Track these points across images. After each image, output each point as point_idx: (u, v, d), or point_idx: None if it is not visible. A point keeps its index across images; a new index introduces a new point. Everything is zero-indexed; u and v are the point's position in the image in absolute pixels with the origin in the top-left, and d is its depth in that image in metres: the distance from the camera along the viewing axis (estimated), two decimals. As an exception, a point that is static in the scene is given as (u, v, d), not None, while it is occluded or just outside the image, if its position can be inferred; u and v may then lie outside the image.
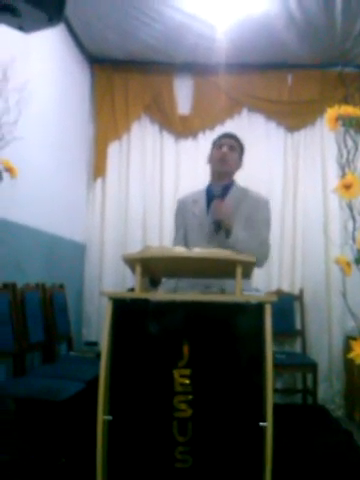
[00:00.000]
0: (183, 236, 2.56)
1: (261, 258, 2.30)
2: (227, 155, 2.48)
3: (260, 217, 2.45)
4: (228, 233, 2.31)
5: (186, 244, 2.47)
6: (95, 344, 3.91)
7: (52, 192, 3.64)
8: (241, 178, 4.56)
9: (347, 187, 1.96)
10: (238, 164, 2.57)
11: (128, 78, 4.58)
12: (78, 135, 4.35)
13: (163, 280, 2.45)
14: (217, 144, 2.54)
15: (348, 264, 1.98)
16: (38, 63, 3.41)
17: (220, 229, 2.32)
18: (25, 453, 2.56)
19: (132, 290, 2.01)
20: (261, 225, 2.45)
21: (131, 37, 4.12)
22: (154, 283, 2.46)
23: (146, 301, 1.91)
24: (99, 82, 4.60)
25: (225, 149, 2.48)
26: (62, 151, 3.90)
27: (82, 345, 4.10)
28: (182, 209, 2.61)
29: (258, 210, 2.46)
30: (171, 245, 2.64)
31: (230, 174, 2.56)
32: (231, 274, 1.86)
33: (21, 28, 2.08)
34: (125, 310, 1.90)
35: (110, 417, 1.82)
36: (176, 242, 2.58)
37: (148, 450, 1.82)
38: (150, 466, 1.82)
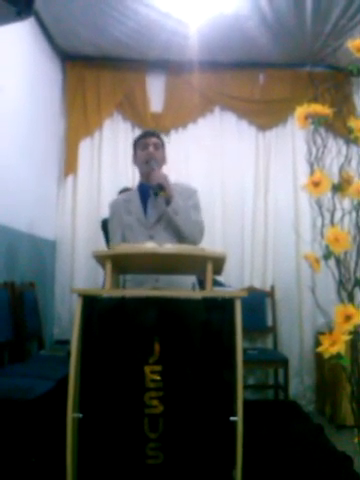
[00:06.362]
0: (121, 238, 2.51)
1: (197, 236, 2.44)
2: (153, 154, 2.49)
3: (190, 203, 2.51)
4: (169, 200, 2.37)
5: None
6: (66, 343, 3.86)
7: (21, 189, 3.57)
8: (213, 177, 4.57)
9: (316, 184, 1.99)
10: (164, 161, 2.58)
11: (100, 75, 4.55)
12: (49, 132, 4.29)
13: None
14: (141, 144, 2.53)
15: (317, 260, 2.01)
16: (8, 58, 3.35)
17: (160, 192, 2.35)
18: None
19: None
20: (192, 209, 2.50)
21: (103, 34, 4.09)
22: None
23: (117, 298, 1.90)
24: (71, 78, 4.55)
25: (151, 149, 2.50)
26: (32, 148, 3.84)
27: (53, 344, 4.05)
28: (117, 210, 2.56)
29: (188, 198, 2.51)
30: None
31: None
32: (200, 270, 1.86)
33: (-12, 22, 2.04)
34: (96, 307, 1.89)
35: (80, 415, 1.80)
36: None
37: (119, 447, 1.82)
38: (121, 463, 1.82)
